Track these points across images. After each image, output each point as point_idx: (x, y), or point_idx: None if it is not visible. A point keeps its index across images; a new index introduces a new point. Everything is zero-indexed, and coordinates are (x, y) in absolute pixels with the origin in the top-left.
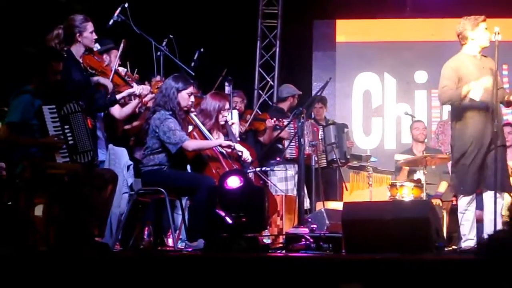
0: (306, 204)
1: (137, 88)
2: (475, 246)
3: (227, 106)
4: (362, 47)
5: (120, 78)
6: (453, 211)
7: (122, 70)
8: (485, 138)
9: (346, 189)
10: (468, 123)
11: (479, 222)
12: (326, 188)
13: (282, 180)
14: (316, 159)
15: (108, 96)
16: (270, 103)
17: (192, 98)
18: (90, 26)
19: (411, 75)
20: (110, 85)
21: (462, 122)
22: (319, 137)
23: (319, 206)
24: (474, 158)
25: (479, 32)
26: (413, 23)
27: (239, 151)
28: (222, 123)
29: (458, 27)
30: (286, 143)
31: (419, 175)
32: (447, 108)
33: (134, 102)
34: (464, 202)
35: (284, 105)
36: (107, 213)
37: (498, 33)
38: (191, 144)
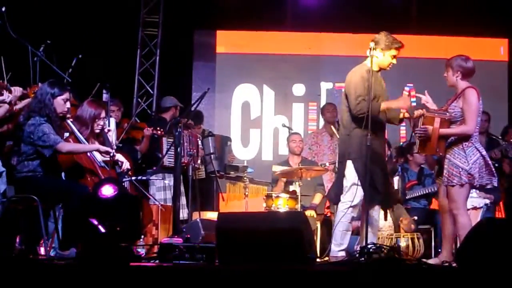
0: (184, 214)
1: (6, 96)
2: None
3: (103, 114)
4: (242, 59)
5: None
6: (327, 223)
7: None
8: None
9: (223, 200)
10: (379, 135)
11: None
12: (203, 198)
13: (161, 189)
14: (194, 167)
15: None
16: (149, 112)
17: (68, 104)
18: None
19: (289, 88)
20: None
21: (377, 134)
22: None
23: (196, 216)
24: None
25: (386, 55)
26: (292, 37)
27: (120, 161)
28: (97, 131)
29: (376, 38)
30: (164, 152)
31: (294, 186)
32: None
33: (4, 106)
34: (355, 213)
35: (167, 115)
36: None
37: (374, 49)
38: (66, 146)
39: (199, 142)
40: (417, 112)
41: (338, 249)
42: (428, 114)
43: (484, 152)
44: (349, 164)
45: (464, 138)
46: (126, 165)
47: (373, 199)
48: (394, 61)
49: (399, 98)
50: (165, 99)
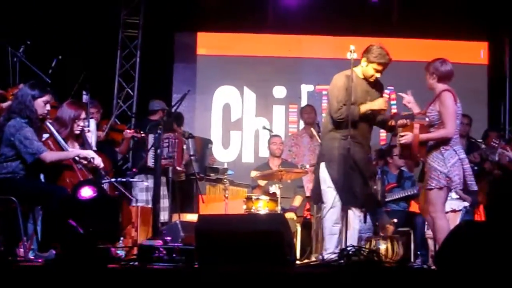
0: (165, 216)
1: None
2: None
3: (83, 115)
4: (222, 61)
5: None
6: (307, 225)
7: None
8: None
9: (203, 202)
10: (358, 139)
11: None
12: (182, 200)
13: (143, 191)
14: (176, 169)
15: None
16: (129, 114)
17: (48, 106)
18: None
19: (270, 90)
20: None
21: (355, 137)
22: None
23: (175, 218)
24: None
25: (369, 67)
26: (273, 39)
27: (93, 157)
28: (77, 132)
29: (369, 47)
30: (150, 154)
31: (274, 189)
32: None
33: None
34: (335, 216)
35: (154, 118)
36: None
37: (354, 51)
38: (49, 156)
39: (184, 146)
40: (400, 122)
41: (325, 253)
42: (409, 123)
43: (462, 156)
44: (322, 167)
45: (443, 141)
46: (98, 160)
47: (349, 202)
48: (378, 75)
49: (376, 99)
50: (153, 102)
